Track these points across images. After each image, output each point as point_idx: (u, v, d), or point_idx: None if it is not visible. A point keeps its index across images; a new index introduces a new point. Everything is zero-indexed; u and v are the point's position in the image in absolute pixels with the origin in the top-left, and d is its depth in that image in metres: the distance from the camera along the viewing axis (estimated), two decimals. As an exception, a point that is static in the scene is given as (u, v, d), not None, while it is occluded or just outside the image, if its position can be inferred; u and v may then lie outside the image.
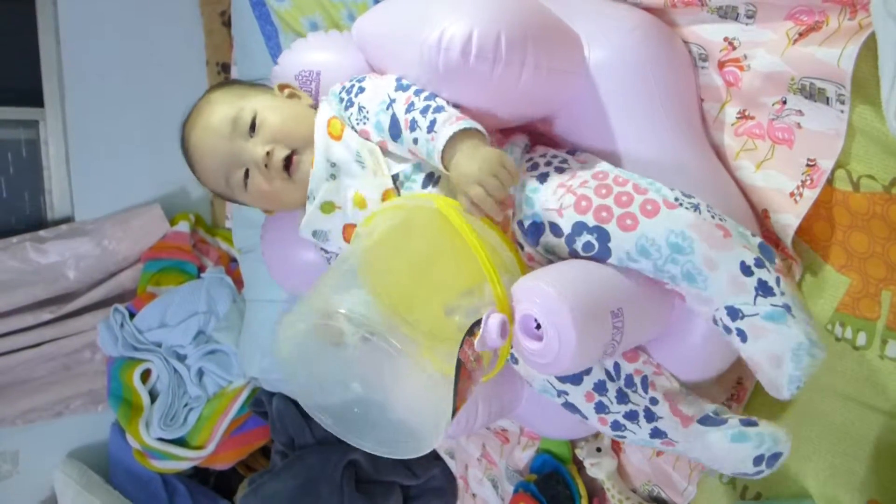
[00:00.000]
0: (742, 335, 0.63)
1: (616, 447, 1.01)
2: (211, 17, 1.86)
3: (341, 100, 0.80)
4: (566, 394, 0.75)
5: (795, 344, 0.61)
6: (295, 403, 1.52)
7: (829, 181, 0.68)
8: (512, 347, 0.68)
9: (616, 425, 0.74)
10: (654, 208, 0.66)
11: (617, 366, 0.74)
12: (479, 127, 0.69)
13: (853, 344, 0.70)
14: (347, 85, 0.81)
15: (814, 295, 0.73)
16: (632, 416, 0.73)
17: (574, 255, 0.70)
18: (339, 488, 1.35)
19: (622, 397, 0.73)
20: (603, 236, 0.67)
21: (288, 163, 0.79)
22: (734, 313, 0.63)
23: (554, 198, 0.71)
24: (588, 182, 0.70)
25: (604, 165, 0.73)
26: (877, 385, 0.69)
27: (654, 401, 0.73)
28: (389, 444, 0.67)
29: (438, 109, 0.71)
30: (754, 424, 0.70)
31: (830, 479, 0.75)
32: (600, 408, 0.74)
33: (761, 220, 0.76)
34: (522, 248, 0.75)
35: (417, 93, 0.74)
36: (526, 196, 0.73)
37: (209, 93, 0.86)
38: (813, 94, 0.66)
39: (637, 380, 0.73)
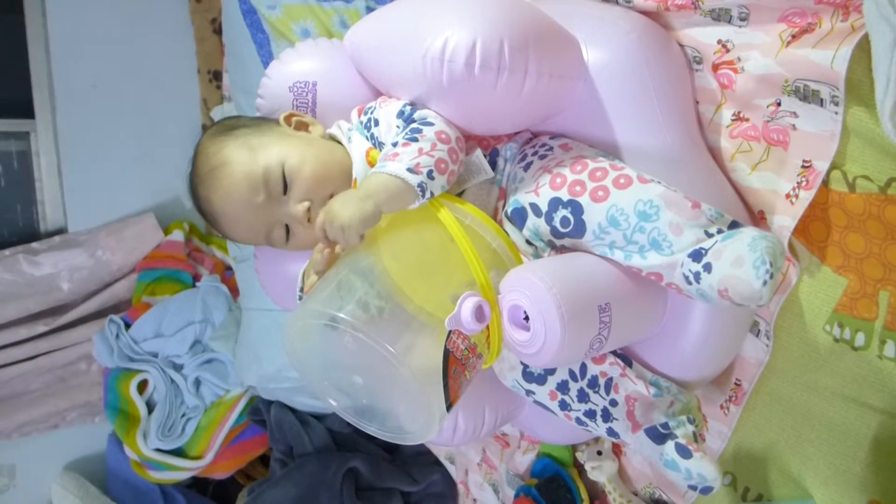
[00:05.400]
0: (708, 267, 0.62)
1: (617, 450, 1.00)
2: (201, 24, 1.85)
3: (366, 137, 0.79)
4: (533, 393, 0.77)
5: (750, 238, 0.60)
6: (293, 411, 1.52)
7: (825, 182, 0.68)
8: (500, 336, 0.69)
9: (579, 421, 0.77)
10: (626, 182, 0.67)
11: (583, 366, 0.75)
12: (405, 177, 0.67)
13: (852, 344, 0.70)
14: (364, 119, 0.79)
15: (811, 296, 0.73)
16: (590, 414, 0.75)
17: (555, 233, 0.71)
18: (339, 496, 1.34)
19: (583, 396, 0.75)
20: (577, 209, 0.68)
21: None
22: (697, 254, 0.63)
23: (532, 180, 0.73)
24: (564, 161, 0.72)
25: (584, 150, 0.74)
26: (876, 385, 0.69)
27: (613, 402, 0.74)
28: (395, 431, 0.69)
29: (413, 138, 0.70)
30: (688, 456, 0.70)
31: (831, 479, 0.75)
32: (563, 405, 0.76)
33: (757, 221, 0.76)
34: (509, 236, 0.75)
35: (410, 119, 0.74)
36: (512, 186, 0.75)
37: (216, 146, 0.79)
38: (807, 95, 0.66)
39: (601, 381, 0.74)
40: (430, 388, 0.63)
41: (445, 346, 0.63)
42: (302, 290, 0.82)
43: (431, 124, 0.72)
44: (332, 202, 0.67)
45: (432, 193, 0.70)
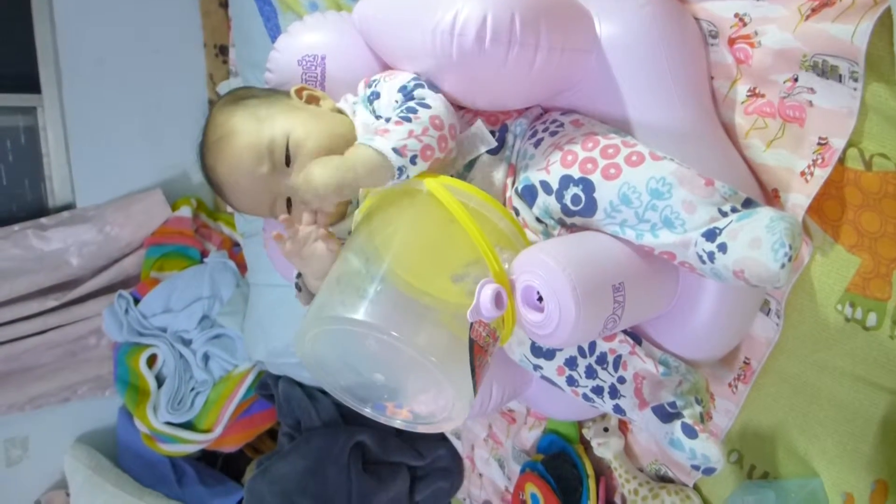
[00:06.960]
0: (723, 248, 0.61)
1: (623, 427, 1.01)
2: (207, -3, 1.83)
3: (369, 111, 0.78)
4: (541, 368, 0.77)
5: (767, 220, 0.59)
6: (301, 385, 1.53)
7: (841, 160, 0.67)
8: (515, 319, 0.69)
9: (586, 397, 0.77)
10: (639, 159, 0.66)
11: (592, 343, 0.75)
12: (389, 156, 0.66)
13: (863, 324, 0.70)
14: (368, 92, 0.79)
15: (824, 275, 0.72)
16: (598, 390, 0.75)
17: (566, 211, 0.70)
18: (346, 469, 1.36)
19: (591, 373, 0.75)
20: (588, 187, 0.67)
21: None
22: (711, 234, 0.62)
23: (542, 157, 0.72)
24: (576, 138, 0.71)
25: (596, 126, 0.73)
26: (886, 365, 0.69)
27: (621, 379, 0.74)
28: (423, 420, 0.68)
29: (406, 117, 0.69)
30: (694, 436, 0.70)
31: (838, 458, 0.75)
32: (571, 381, 0.76)
33: (771, 199, 0.75)
34: (518, 213, 0.75)
35: (409, 97, 0.73)
36: (522, 163, 0.74)
37: (225, 115, 0.79)
38: (825, 71, 0.65)
39: (610, 358, 0.74)
40: (459, 380, 0.62)
41: (470, 337, 0.62)
42: (299, 275, 0.81)
43: (428, 107, 0.71)
44: (313, 165, 0.67)
45: (408, 177, 0.69)
